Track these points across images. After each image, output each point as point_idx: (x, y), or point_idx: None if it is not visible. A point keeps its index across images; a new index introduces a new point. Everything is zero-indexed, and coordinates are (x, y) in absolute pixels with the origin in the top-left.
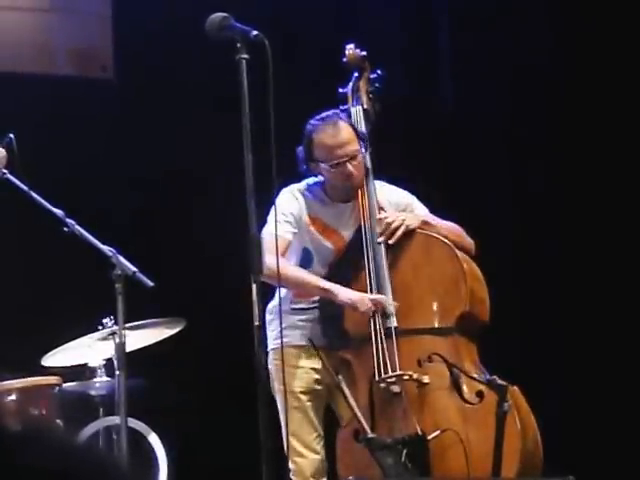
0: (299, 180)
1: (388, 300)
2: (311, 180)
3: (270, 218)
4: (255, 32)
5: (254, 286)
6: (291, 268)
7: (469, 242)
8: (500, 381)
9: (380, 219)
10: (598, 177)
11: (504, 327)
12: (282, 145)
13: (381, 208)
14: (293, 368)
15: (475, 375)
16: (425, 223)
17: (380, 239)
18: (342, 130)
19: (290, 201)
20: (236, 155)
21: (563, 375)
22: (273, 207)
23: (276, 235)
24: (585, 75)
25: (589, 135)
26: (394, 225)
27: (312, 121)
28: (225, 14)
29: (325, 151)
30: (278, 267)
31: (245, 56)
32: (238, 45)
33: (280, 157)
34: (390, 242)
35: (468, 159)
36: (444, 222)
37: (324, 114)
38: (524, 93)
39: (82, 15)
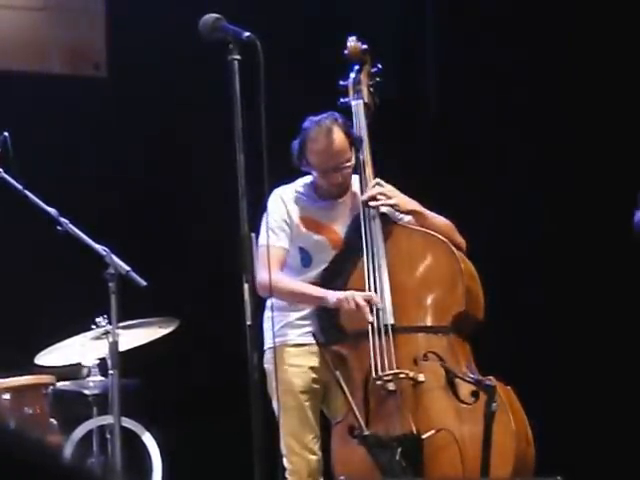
0: (292, 180)
1: (385, 301)
2: (301, 181)
3: (263, 228)
4: (247, 33)
5: (246, 286)
6: (285, 282)
7: (460, 240)
8: (489, 381)
9: (376, 185)
10: (588, 175)
11: (496, 327)
12: (274, 145)
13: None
14: (292, 367)
15: (464, 375)
16: (417, 213)
17: (364, 197)
18: (335, 140)
19: (278, 206)
20: (229, 155)
21: (553, 376)
22: (264, 216)
23: (268, 246)
24: (574, 76)
25: (577, 135)
26: (383, 195)
27: (308, 122)
28: (218, 15)
29: (316, 159)
30: (270, 279)
31: (237, 57)
32: (230, 46)
33: (272, 157)
34: (371, 204)
35: (453, 160)
36: (438, 217)
37: (320, 117)
38: (510, 94)
39: (75, 13)
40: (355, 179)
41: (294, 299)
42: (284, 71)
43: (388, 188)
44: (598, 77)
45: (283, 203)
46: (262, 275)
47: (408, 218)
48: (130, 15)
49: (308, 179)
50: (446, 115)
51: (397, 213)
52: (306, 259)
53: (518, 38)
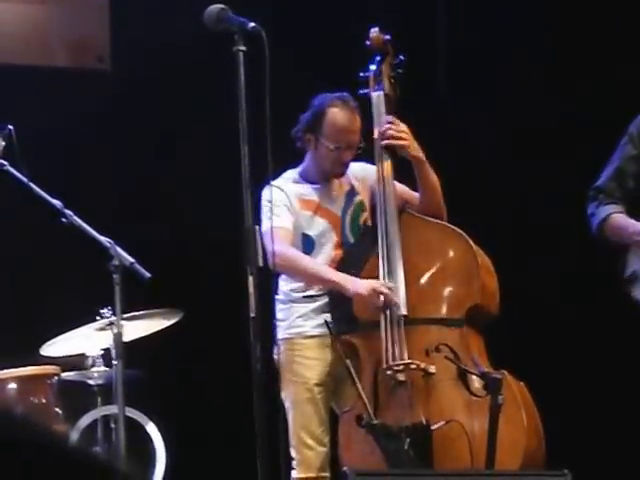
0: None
1: (399, 292)
2: (287, 173)
3: (265, 214)
4: (252, 24)
5: (250, 278)
6: (302, 259)
7: (443, 206)
8: (497, 374)
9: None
10: (597, 161)
11: (511, 322)
12: (279, 137)
13: (353, 186)
14: (307, 359)
15: (471, 368)
16: (422, 162)
17: (379, 130)
18: (356, 118)
19: (277, 195)
20: (233, 146)
21: (563, 371)
22: (264, 204)
23: (270, 228)
24: (584, 63)
25: (587, 123)
26: (398, 135)
27: (328, 95)
28: (223, 6)
29: (335, 130)
30: (274, 255)
31: (242, 48)
32: (235, 37)
33: (277, 149)
34: (382, 144)
35: (460, 147)
36: (434, 175)
37: (341, 93)
38: (520, 82)
39: (78, 6)
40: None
41: (308, 278)
42: (290, 63)
43: (402, 128)
44: (613, 67)
45: (281, 191)
46: (276, 248)
47: (402, 189)
48: (133, 7)
49: (294, 171)
50: (455, 102)
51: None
52: (309, 245)
53: (531, 23)
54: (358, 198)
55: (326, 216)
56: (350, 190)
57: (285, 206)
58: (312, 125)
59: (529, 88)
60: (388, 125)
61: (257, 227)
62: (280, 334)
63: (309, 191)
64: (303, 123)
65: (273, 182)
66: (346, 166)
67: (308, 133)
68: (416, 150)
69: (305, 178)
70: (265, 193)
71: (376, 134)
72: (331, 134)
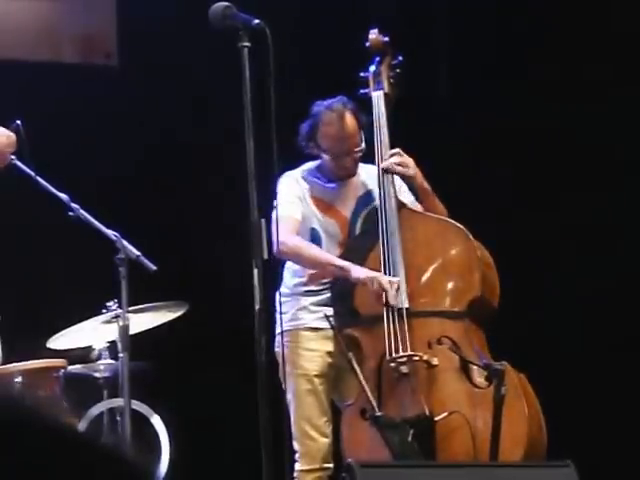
0: (300, 165)
1: (400, 285)
2: (306, 166)
3: (277, 202)
4: (257, 20)
5: (255, 270)
6: (308, 246)
7: None
8: (499, 365)
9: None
10: (595, 165)
11: (511, 314)
12: (283, 131)
13: (369, 191)
14: (307, 351)
15: (475, 359)
16: (428, 193)
17: (384, 164)
18: (348, 124)
19: (292, 185)
20: (238, 140)
21: (564, 361)
22: (278, 192)
23: (278, 216)
24: (581, 65)
25: (588, 125)
26: (401, 161)
27: (320, 105)
28: (227, 3)
29: (329, 143)
30: (278, 242)
31: (247, 44)
32: (240, 33)
33: (281, 143)
34: (382, 166)
35: (463, 150)
36: (440, 204)
37: (330, 101)
38: (521, 84)
39: (86, 3)
40: (361, 167)
41: (313, 264)
42: (293, 61)
43: (408, 159)
44: (619, 67)
45: (297, 182)
46: (285, 238)
47: (410, 199)
48: (141, 4)
49: (312, 164)
50: (458, 105)
51: (400, 191)
52: (316, 240)
53: (530, 25)
54: (375, 203)
55: (335, 216)
56: (366, 194)
57: (298, 197)
58: (310, 136)
59: (529, 88)
60: (396, 156)
61: (262, 220)
62: (278, 327)
63: (323, 190)
64: (302, 134)
65: (291, 172)
66: (350, 169)
67: (310, 142)
68: (422, 180)
69: (323, 174)
70: (281, 182)
71: (378, 152)
72: (328, 147)
